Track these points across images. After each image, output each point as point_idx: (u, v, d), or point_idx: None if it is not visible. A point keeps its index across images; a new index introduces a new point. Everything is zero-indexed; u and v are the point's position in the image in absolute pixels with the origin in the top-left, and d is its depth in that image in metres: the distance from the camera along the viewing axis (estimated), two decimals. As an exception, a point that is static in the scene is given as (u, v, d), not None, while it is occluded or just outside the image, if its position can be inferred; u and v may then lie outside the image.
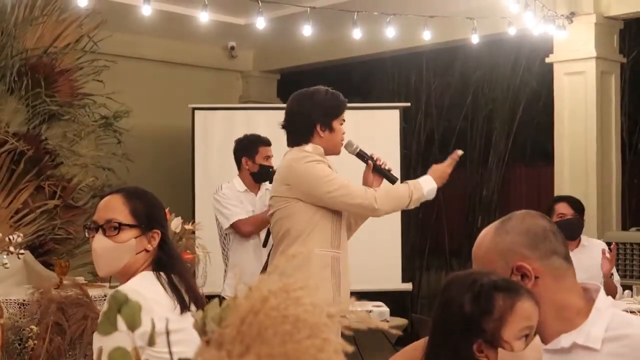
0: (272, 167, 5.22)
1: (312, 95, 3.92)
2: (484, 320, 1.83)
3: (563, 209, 5.41)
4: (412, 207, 3.79)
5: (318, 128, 3.84)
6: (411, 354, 2.12)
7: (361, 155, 3.87)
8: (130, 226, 2.52)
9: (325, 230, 3.81)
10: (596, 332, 1.90)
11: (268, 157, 5.42)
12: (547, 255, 1.95)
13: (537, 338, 1.87)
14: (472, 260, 2.03)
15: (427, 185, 3.77)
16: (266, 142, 5.49)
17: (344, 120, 3.90)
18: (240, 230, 5.30)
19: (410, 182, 3.83)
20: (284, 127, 3.93)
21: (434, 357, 1.89)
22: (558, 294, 1.94)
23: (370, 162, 3.85)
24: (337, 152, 3.93)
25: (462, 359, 1.84)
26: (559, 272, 1.95)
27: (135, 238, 2.52)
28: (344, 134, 3.90)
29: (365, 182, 3.85)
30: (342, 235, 3.83)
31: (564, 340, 1.91)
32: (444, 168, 3.81)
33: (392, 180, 3.84)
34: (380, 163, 3.86)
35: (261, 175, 5.39)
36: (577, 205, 5.45)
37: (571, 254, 5.77)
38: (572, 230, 5.38)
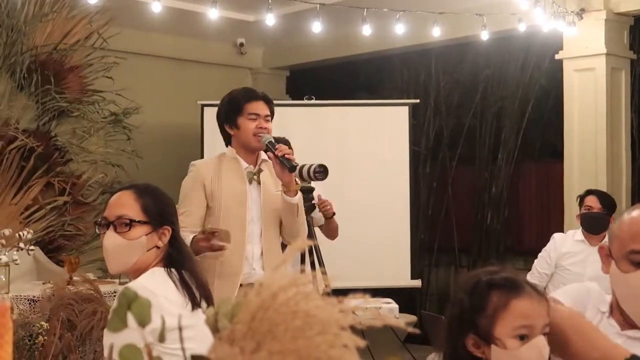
0: None
1: (222, 99, 4.06)
2: (477, 316, 1.83)
3: (591, 202, 5.43)
4: None
5: (227, 128, 3.96)
6: None
7: (268, 147, 3.84)
8: (142, 223, 2.52)
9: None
10: None
11: None
12: None
13: (541, 340, 1.84)
14: None
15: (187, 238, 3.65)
16: None
17: (255, 115, 3.89)
18: None
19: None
20: None
21: (444, 352, 1.91)
22: None
23: (270, 153, 3.82)
24: (255, 148, 3.90)
25: (458, 354, 1.86)
26: None
27: (146, 235, 2.53)
28: (260, 127, 3.88)
29: (276, 173, 3.83)
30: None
31: None
32: (197, 239, 3.62)
33: (287, 166, 3.78)
34: (280, 153, 3.79)
35: None
36: (605, 201, 5.45)
37: (593, 249, 5.71)
38: (593, 224, 5.40)
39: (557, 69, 7.20)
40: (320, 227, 5.10)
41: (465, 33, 7.34)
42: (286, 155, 3.76)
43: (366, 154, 7.50)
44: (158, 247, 2.55)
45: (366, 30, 6.40)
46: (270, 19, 6.07)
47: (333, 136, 7.53)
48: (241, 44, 9.02)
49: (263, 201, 3.89)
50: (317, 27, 6.25)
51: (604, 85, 6.72)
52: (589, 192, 5.60)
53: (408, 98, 8.40)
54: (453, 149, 8.88)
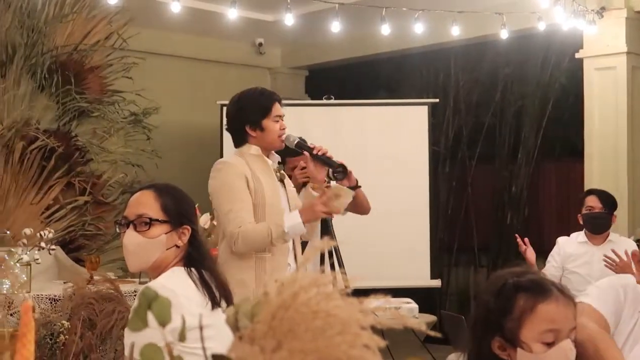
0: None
1: (239, 98, 3.98)
2: (504, 318, 1.81)
3: (592, 202, 5.41)
4: (276, 244, 3.67)
5: (248, 129, 3.88)
6: None
7: (300, 146, 3.85)
8: (161, 222, 2.54)
9: None
10: None
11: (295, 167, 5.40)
12: None
13: (567, 343, 1.82)
14: None
15: (290, 221, 3.67)
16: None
17: (279, 117, 3.88)
18: None
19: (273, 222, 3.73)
20: (227, 130, 4.04)
21: (468, 352, 1.90)
22: None
23: (306, 152, 3.83)
24: (278, 148, 3.91)
25: (484, 355, 1.84)
26: None
27: (166, 234, 2.54)
28: (283, 129, 3.87)
29: (309, 172, 3.85)
30: None
31: None
32: (312, 203, 3.67)
33: (332, 165, 3.82)
34: (318, 151, 3.82)
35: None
36: (606, 200, 5.41)
37: (596, 248, 5.68)
38: (595, 225, 5.38)
39: (577, 67, 7.16)
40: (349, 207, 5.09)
41: (484, 32, 7.32)
42: (327, 154, 3.84)
43: (385, 153, 7.49)
44: (178, 247, 2.56)
45: (385, 29, 6.40)
46: (289, 19, 6.08)
47: (352, 136, 7.52)
48: (260, 44, 9.03)
49: (290, 197, 3.92)
50: (336, 26, 6.25)
51: (625, 84, 6.69)
52: (589, 192, 5.57)
53: (427, 97, 8.38)
54: (472, 149, 8.85)
